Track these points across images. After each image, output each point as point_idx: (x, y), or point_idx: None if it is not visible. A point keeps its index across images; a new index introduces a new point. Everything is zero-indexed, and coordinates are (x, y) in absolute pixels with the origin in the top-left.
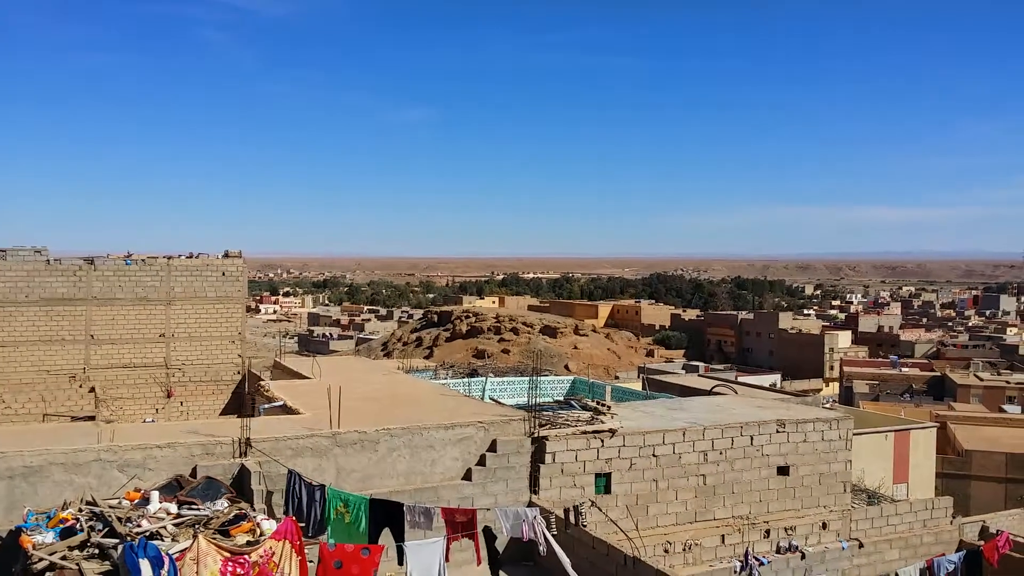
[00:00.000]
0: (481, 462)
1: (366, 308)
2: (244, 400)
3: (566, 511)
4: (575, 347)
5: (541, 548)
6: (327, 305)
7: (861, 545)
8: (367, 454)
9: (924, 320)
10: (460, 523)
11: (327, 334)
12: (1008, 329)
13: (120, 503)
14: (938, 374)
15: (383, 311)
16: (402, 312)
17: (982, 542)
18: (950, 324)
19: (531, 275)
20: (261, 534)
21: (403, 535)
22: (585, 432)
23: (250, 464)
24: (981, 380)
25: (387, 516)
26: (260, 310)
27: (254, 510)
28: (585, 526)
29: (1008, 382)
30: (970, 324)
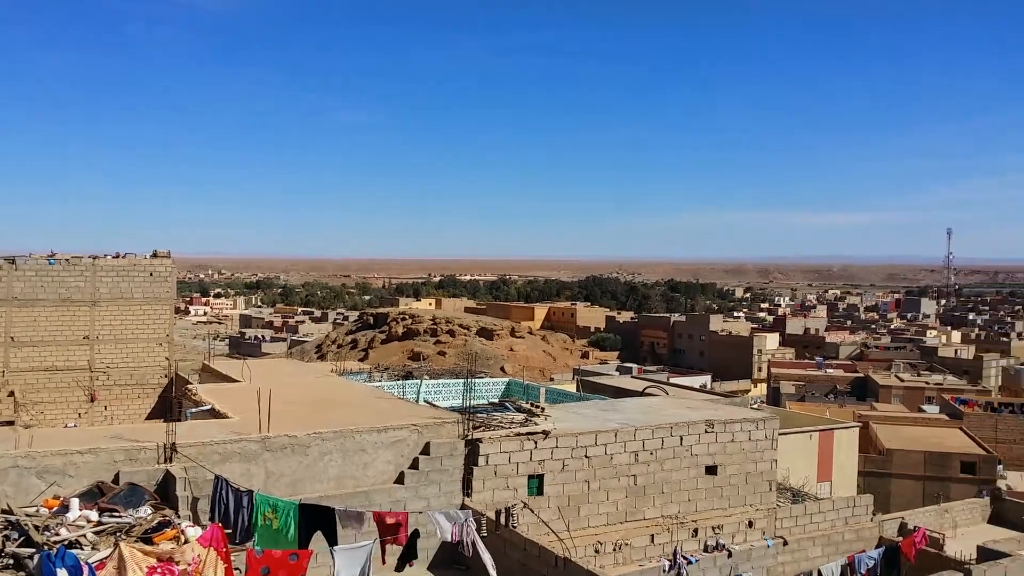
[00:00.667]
0: (414, 465)
1: (300, 310)
2: (171, 404)
3: (497, 513)
4: (511, 349)
5: (467, 550)
6: (260, 307)
7: (786, 543)
8: (297, 458)
9: (848, 323)
10: (391, 526)
11: (259, 336)
12: (928, 332)
13: (38, 511)
14: (861, 375)
15: (317, 313)
16: (337, 314)
17: (901, 538)
18: (873, 327)
19: (468, 277)
20: (186, 541)
21: (335, 540)
22: (519, 434)
23: (175, 470)
24: (902, 381)
25: (317, 521)
26: (190, 312)
27: (179, 517)
28: (516, 527)
29: (927, 383)
30: (892, 327)
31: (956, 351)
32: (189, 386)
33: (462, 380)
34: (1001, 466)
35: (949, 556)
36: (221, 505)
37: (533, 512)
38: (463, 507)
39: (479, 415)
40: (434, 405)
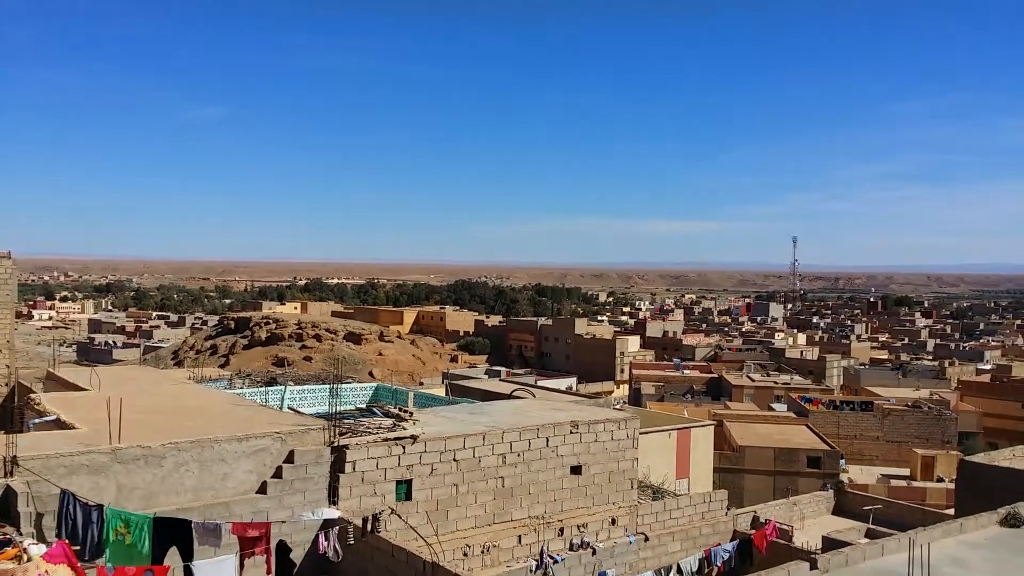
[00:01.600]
0: (277, 474)
1: (155, 314)
2: (11, 415)
3: (364, 520)
4: (380, 354)
5: (333, 556)
6: (111, 311)
7: (647, 539)
8: (152, 470)
9: (704, 326)
10: (253, 538)
11: (110, 342)
12: (776, 334)
13: None
14: (716, 376)
15: (174, 317)
16: (195, 319)
17: (753, 531)
18: (726, 329)
19: (335, 281)
20: (28, 560)
21: (191, 554)
22: (386, 439)
23: (17, 485)
24: (753, 381)
25: (173, 535)
26: (33, 316)
27: (20, 534)
28: (384, 534)
29: (776, 383)
30: (744, 330)
31: (802, 352)
32: (32, 395)
33: (328, 386)
34: (843, 460)
35: (797, 547)
36: (68, 521)
37: (401, 518)
38: None
39: (346, 421)
40: (298, 412)
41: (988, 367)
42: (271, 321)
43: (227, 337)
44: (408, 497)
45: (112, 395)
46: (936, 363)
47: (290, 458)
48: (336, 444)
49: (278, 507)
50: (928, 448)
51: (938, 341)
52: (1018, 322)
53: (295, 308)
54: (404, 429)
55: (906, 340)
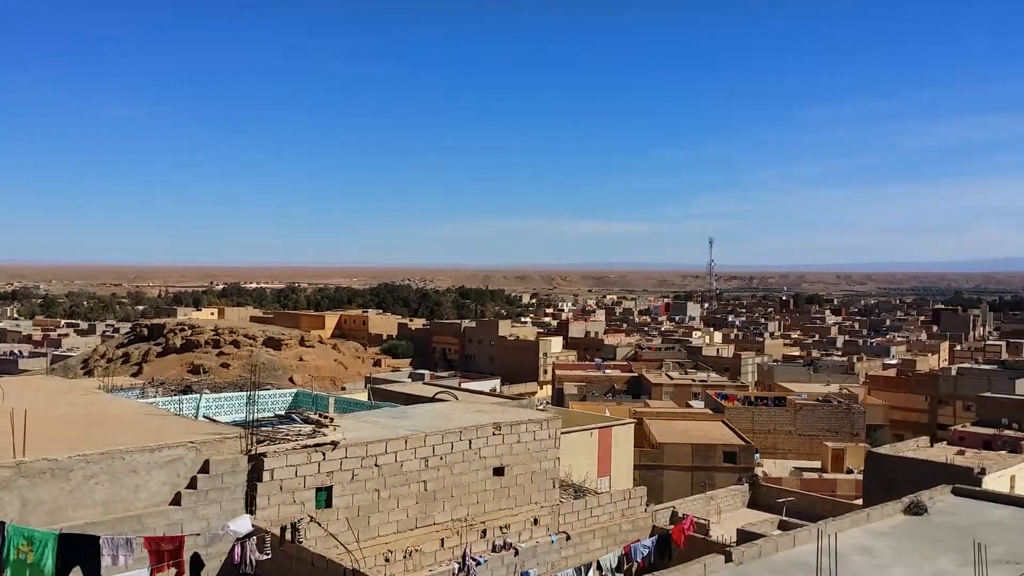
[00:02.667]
0: (192, 485)
1: (64, 322)
2: None
3: (283, 529)
4: (301, 359)
5: (250, 569)
6: (16, 319)
7: (568, 537)
8: (58, 484)
9: (624, 326)
10: (166, 552)
11: (16, 352)
12: (694, 333)
13: None
14: (636, 374)
15: (84, 325)
16: (107, 326)
17: (671, 526)
18: (646, 329)
19: (254, 285)
20: None
21: (98, 572)
22: (306, 446)
23: None
24: (672, 379)
25: (80, 552)
26: None
27: None
28: (303, 543)
29: (694, 380)
30: (663, 329)
31: (718, 350)
32: None
33: (246, 393)
34: (758, 454)
35: (714, 540)
36: None
37: (321, 525)
38: None
39: (264, 429)
40: (214, 420)
41: (894, 362)
42: (186, 327)
43: (140, 345)
44: (328, 504)
45: (16, 406)
46: (845, 359)
47: (205, 468)
48: (253, 452)
49: (192, 519)
50: (838, 441)
51: (847, 337)
52: (922, 318)
53: (212, 314)
54: (324, 435)
55: (816, 337)
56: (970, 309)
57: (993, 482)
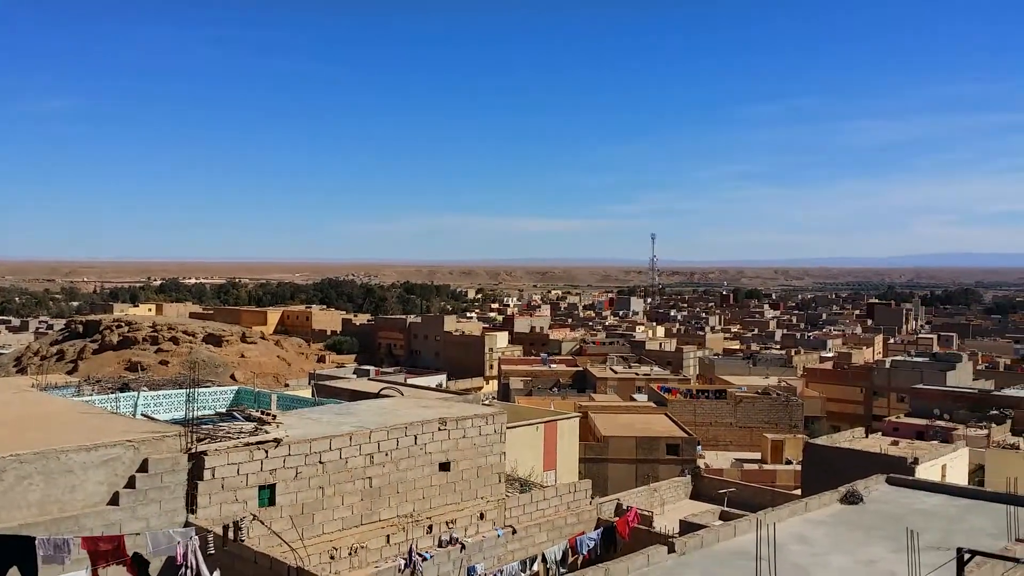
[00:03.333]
0: (131, 484)
1: None
2: None
3: (225, 528)
4: (242, 356)
5: (191, 571)
6: None
7: (514, 531)
8: None
9: (569, 320)
10: (105, 552)
11: None
12: (637, 327)
13: None
14: (581, 369)
15: (16, 322)
16: (40, 322)
17: (616, 518)
18: (591, 324)
19: (193, 280)
20: None
21: (35, 572)
22: (248, 444)
23: None
24: (616, 373)
25: (14, 553)
26: None
27: None
28: (246, 541)
29: (637, 374)
30: (607, 323)
31: (661, 344)
32: None
33: (186, 390)
34: (700, 447)
35: (657, 531)
36: None
37: (264, 524)
38: (187, 524)
39: (204, 427)
40: (153, 419)
41: (830, 355)
42: (123, 324)
43: (75, 341)
44: (272, 502)
45: None
46: (783, 352)
47: (144, 467)
48: (194, 451)
49: (131, 519)
50: (777, 432)
51: (785, 331)
52: (857, 312)
53: (150, 310)
54: (267, 433)
55: (756, 331)
56: (903, 303)
57: (925, 471)
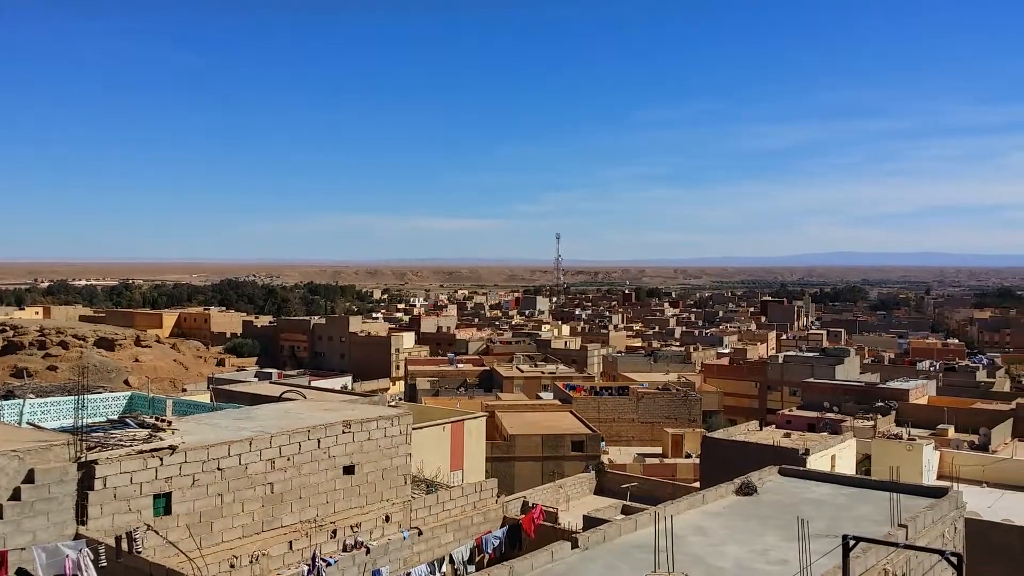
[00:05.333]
0: (15, 496)
1: None
2: None
3: (118, 539)
4: (137, 360)
5: None
6: None
7: (420, 533)
8: None
9: (476, 320)
10: None
11: None
12: (543, 326)
13: None
14: (488, 368)
15: None
16: None
17: (522, 516)
18: (497, 323)
19: (84, 282)
20: None
21: None
22: (141, 451)
23: None
24: (522, 372)
25: None
26: None
27: None
28: (141, 552)
29: (543, 372)
30: (513, 323)
31: (566, 343)
32: None
33: (75, 397)
34: (603, 442)
35: (562, 527)
36: None
37: (159, 534)
38: (77, 536)
39: (95, 434)
40: (40, 427)
41: (727, 351)
42: (8, 328)
43: None
44: (168, 511)
45: None
46: (683, 349)
47: (30, 478)
48: (83, 460)
49: (16, 532)
50: (677, 427)
51: (684, 329)
52: (751, 310)
53: (36, 313)
54: (161, 439)
55: (657, 328)
56: (794, 301)
57: (816, 462)
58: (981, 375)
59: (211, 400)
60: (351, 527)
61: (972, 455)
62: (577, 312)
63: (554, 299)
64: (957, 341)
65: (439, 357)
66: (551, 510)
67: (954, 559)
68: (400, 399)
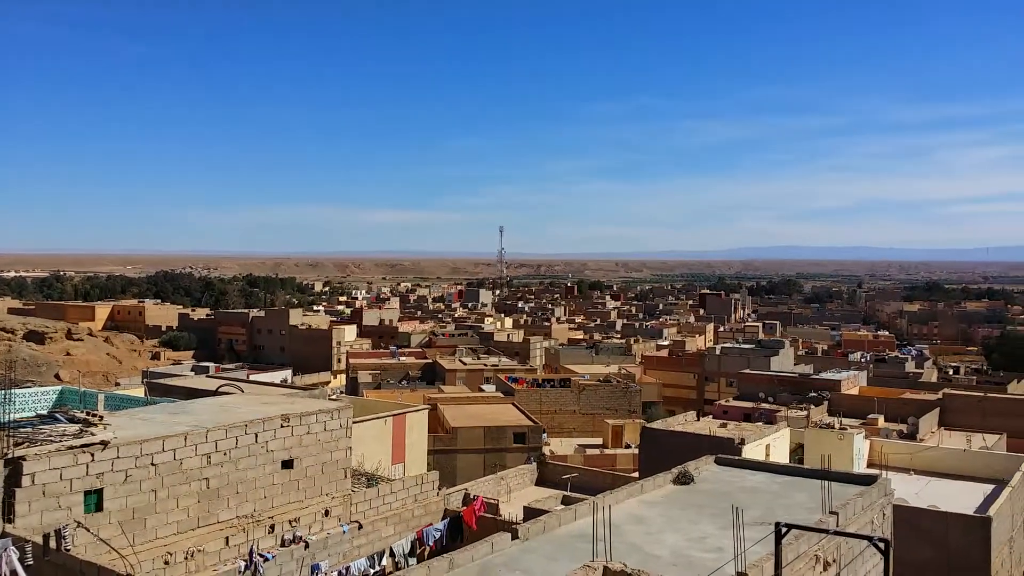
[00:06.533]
0: None
1: None
2: None
3: (46, 537)
4: (68, 353)
5: None
6: None
7: (361, 526)
8: None
9: (419, 313)
10: None
11: None
12: (486, 319)
13: None
14: (430, 361)
15: None
16: None
17: (463, 508)
18: (440, 316)
19: (12, 274)
20: None
21: None
22: (72, 447)
23: None
24: (465, 364)
25: None
26: None
27: None
28: (70, 550)
29: (486, 365)
30: (456, 315)
31: (508, 335)
32: None
33: (1, 392)
34: (545, 434)
35: (503, 519)
36: None
37: (90, 531)
38: (3, 535)
39: (23, 430)
40: None
41: (666, 343)
42: None
43: None
44: (99, 508)
45: None
46: (624, 341)
47: None
48: (10, 456)
49: None
50: (617, 418)
51: (625, 321)
52: (690, 302)
53: None
54: (93, 435)
55: (598, 321)
56: (732, 294)
57: (751, 451)
58: (910, 366)
59: (145, 395)
60: (289, 522)
61: (900, 444)
62: (520, 305)
63: (497, 292)
64: (887, 333)
65: (381, 350)
66: (492, 501)
67: (881, 544)
68: (341, 392)
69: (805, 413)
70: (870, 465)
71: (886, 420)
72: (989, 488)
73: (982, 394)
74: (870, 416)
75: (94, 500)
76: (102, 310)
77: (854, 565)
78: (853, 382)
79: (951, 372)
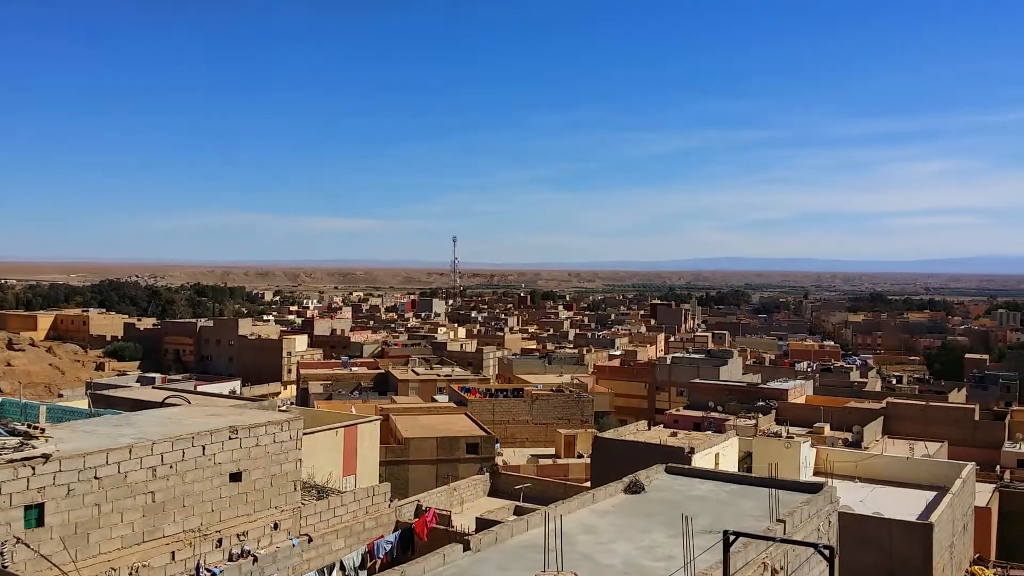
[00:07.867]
0: None
1: None
2: None
3: None
4: (9, 364)
5: None
6: None
7: (311, 540)
8: None
9: (371, 323)
10: None
11: None
12: (439, 329)
13: None
14: (383, 371)
15: None
16: None
17: (415, 520)
18: (393, 326)
19: None
20: None
21: None
22: (11, 460)
23: None
24: (418, 375)
25: None
26: None
27: None
28: (7, 567)
29: (439, 375)
30: (409, 325)
31: (462, 345)
32: None
33: None
34: (498, 444)
35: (455, 530)
36: None
37: (30, 547)
38: None
39: None
40: None
41: (618, 353)
42: None
43: None
44: (40, 523)
45: None
46: (576, 351)
47: None
48: None
49: None
50: (570, 428)
51: (577, 331)
52: (641, 312)
53: None
54: (33, 448)
55: (551, 331)
56: (682, 304)
57: (701, 460)
58: (854, 375)
59: (89, 406)
60: (238, 536)
61: (846, 452)
62: (473, 315)
63: (450, 302)
64: (832, 343)
65: (333, 360)
66: (444, 513)
67: (827, 551)
68: (291, 403)
69: (753, 422)
70: (816, 473)
71: (832, 428)
72: (931, 495)
73: (924, 403)
74: (816, 425)
75: (35, 515)
76: (44, 319)
77: (801, 572)
78: (800, 391)
79: (894, 381)
